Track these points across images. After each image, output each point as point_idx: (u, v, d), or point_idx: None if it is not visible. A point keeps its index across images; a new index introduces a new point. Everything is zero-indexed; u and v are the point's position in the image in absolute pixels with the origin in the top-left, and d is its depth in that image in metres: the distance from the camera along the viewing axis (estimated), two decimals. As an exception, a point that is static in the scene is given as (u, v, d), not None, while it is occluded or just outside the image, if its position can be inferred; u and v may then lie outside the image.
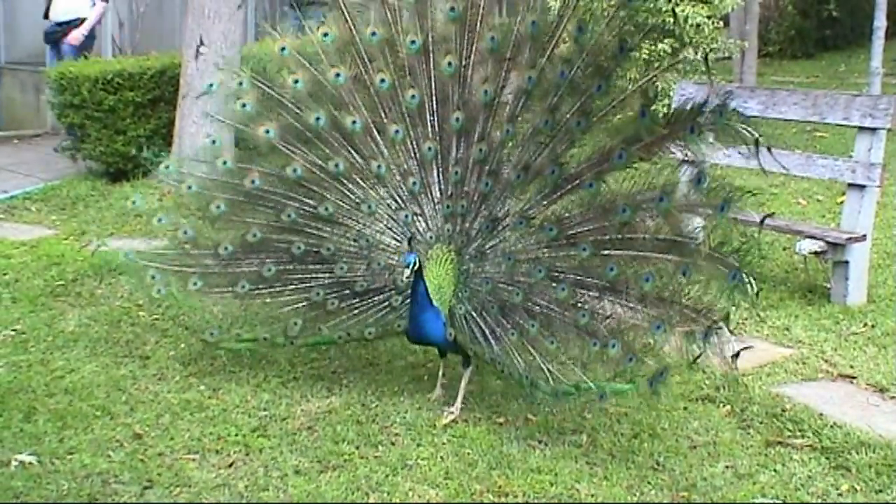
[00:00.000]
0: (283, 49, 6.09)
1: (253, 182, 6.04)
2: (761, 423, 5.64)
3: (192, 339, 6.66)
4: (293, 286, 6.06)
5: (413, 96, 5.87)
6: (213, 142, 6.48)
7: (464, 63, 5.83)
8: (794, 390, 6.04)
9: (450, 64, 5.81)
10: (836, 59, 20.31)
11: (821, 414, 5.71)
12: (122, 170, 11.19)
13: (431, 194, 5.93)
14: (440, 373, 6.01)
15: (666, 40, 11.15)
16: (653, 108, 5.61)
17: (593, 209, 5.59)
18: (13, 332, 6.91)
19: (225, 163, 6.19)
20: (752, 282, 5.18)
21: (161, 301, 6.51)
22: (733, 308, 5.51)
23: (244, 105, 6.10)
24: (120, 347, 6.63)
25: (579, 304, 5.59)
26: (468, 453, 5.27)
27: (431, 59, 5.88)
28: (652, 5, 11.13)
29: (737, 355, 5.55)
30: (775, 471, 5.16)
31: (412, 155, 5.93)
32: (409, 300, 5.72)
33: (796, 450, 5.36)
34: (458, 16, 5.80)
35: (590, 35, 5.57)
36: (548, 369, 5.44)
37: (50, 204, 10.43)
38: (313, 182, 6.02)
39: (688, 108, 5.39)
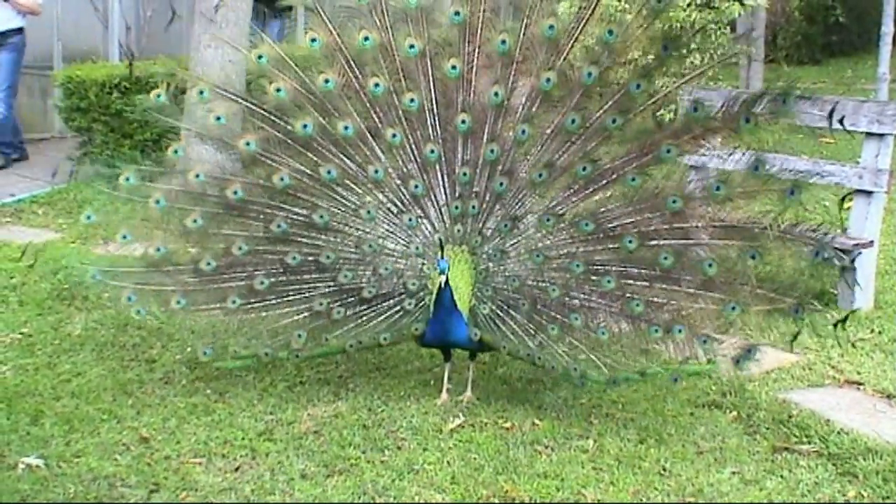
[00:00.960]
0: (260, 57, 5.99)
1: (235, 193, 5.91)
2: (768, 428, 5.63)
3: (199, 342, 6.66)
4: (291, 297, 5.95)
5: (412, 100, 5.83)
6: (176, 152, 6.23)
7: (469, 66, 5.81)
8: (801, 396, 6.03)
9: (454, 67, 5.79)
10: (843, 65, 20.29)
11: (827, 420, 5.70)
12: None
13: (436, 197, 5.92)
14: (445, 377, 6.00)
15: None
16: (659, 112, 5.68)
17: (637, 202, 5.69)
18: (20, 336, 6.92)
19: (198, 176, 5.99)
20: (841, 255, 5.46)
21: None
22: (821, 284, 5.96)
23: (218, 118, 6.02)
24: (126, 351, 6.63)
25: (630, 295, 5.66)
26: (475, 458, 5.27)
27: (432, 63, 5.86)
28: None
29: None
30: (782, 477, 5.15)
31: (413, 158, 5.90)
32: (422, 303, 5.81)
33: (803, 456, 5.35)
34: (462, 20, 5.79)
35: (617, 37, 5.65)
36: (598, 359, 5.58)
37: (56, 208, 10.44)
38: (303, 190, 5.94)
39: (742, 98, 5.57)
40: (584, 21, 5.68)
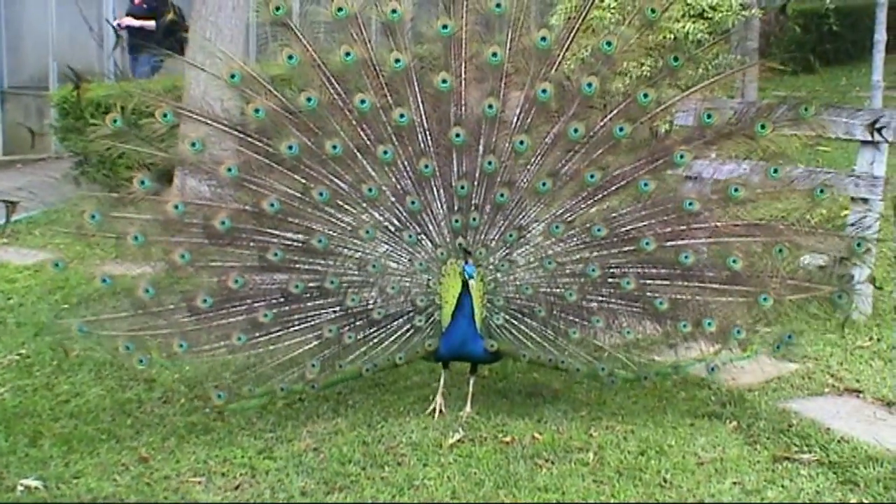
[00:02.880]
0: (233, 76, 5.82)
1: (223, 223, 5.69)
2: (768, 438, 5.62)
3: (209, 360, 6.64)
4: (298, 327, 5.82)
5: (402, 115, 5.77)
6: (143, 183, 5.79)
7: (460, 79, 5.79)
8: (801, 405, 6.03)
9: (444, 81, 5.76)
10: (837, 73, 20.34)
11: (828, 429, 5.69)
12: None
13: (434, 211, 5.89)
14: (441, 383, 6.02)
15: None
16: (655, 123, 5.72)
17: (651, 206, 5.79)
18: (18, 357, 6.92)
19: (177, 207, 5.73)
20: (871, 241, 5.89)
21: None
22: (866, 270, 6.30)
23: (193, 144, 5.78)
24: (125, 371, 6.61)
25: (651, 294, 5.78)
26: (475, 473, 5.26)
27: (420, 77, 5.82)
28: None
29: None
30: (783, 486, 5.14)
31: (406, 174, 5.85)
32: (432, 318, 5.84)
33: (804, 465, 5.34)
34: (451, 33, 5.75)
35: (615, 48, 5.73)
36: (626, 358, 5.81)
37: (54, 228, 10.43)
38: (295, 214, 5.81)
39: (759, 104, 5.85)
40: (574, 31, 5.74)
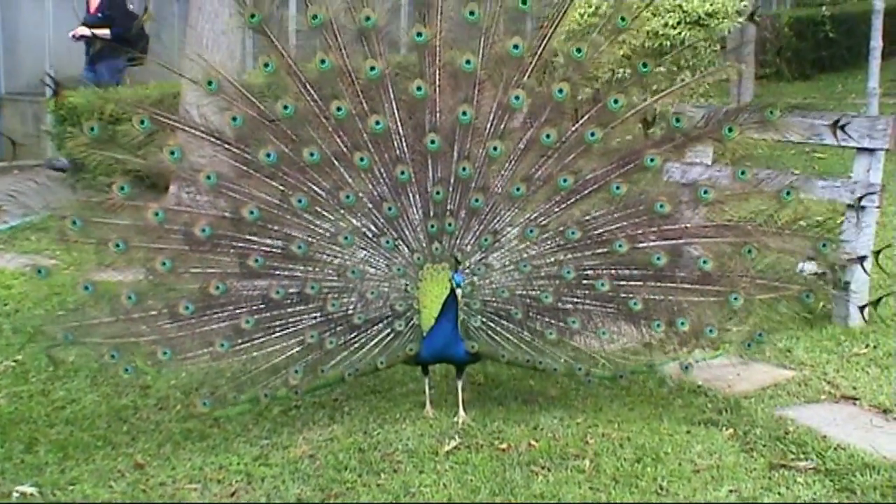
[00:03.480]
0: (210, 83, 5.80)
1: (203, 231, 5.70)
2: (765, 445, 5.62)
3: (193, 367, 6.64)
4: (280, 333, 5.80)
5: (377, 122, 5.78)
6: (123, 189, 5.78)
7: (434, 86, 5.81)
8: (797, 412, 6.03)
9: (419, 88, 5.79)
10: (833, 80, 20.37)
11: (824, 436, 5.69)
12: (121, 199, 11.17)
13: (410, 217, 5.92)
14: (427, 391, 6.05)
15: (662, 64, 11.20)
16: (651, 130, 5.79)
17: (623, 209, 5.87)
18: (14, 363, 6.91)
19: (157, 214, 5.72)
20: (837, 241, 6.13)
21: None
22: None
23: (172, 153, 5.77)
24: (121, 378, 6.58)
25: (626, 295, 5.87)
26: (471, 480, 5.24)
27: (395, 84, 5.84)
28: (649, 28, 11.19)
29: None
30: (780, 494, 5.14)
31: (383, 181, 5.88)
32: (412, 322, 5.88)
33: (800, 472, 5.33)
34: (425, 41, 5.77)
35: (585, 54, 5.81)
36: (602, 357, 5.96)
37: (50, 234, 10.41)
38: (275, 221, 5.81)
39: (727, 109, 5.92)
40: (546, 40, 5.81)
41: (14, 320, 7.73)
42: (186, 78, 5.92)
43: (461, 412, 5.90)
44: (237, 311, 5.76)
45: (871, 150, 7.30)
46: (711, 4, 11.52)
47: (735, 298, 5.79)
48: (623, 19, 5.84)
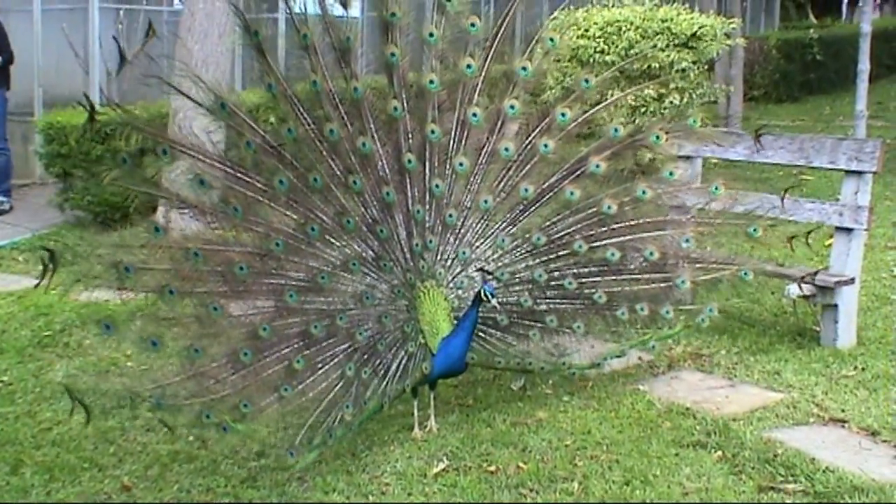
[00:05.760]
0: (223, 107, 5.77)
1: (241, 269, 5.64)
2: (753, 468, 5.61)
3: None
4: (323, 369, 5.72)
5: (364, 144, 5.84)
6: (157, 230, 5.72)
7: (406, 106, 5.92)
8: (786, 435, 6.02)
9: (395, 108, 5.89)
10: (820, 102, 20.48)
11: (813, 458, 5.68)
12: (109, 219, 11.18)
13: (398, 237, 5.98)
14: (416, 413, 6.06)
15: (652, 86, 11.27)
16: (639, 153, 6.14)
17: (577, 212, 6.24)
18: (0, 384, 6.87)
19: (196, 254, 5.60)
20: (758, 228, 6.42)
21: (149, 351, 5.96)
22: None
23: (202, 182, 5.69)
24: (108, 398, 6.59)
25: (590, 290, 6.30)
26: (459, 502, 5.23)
27: (373, 105, 5.90)
28: (639, 51, 11.24)
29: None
30: (768, 517, 5.14)
31: (374, 203, 5.93)
32: (419, 342, 5.97)
33: (789, 495, 5.33)
34: (396, 62, 5.86)
35: (530, 73, 6.15)
36: (579, 349, 6.52)
37: (38, 254, 10.38)
38: (296, 253, 5.81)
39: (656, 122, 6.47)
40: (488, 59, 6.03)
41: (0, 341, 7.69)
42: (193, 100, 5.83)
43: (432, 421, 6.07)
44: (286, 352, 5.65)
45: (859, 173, 7.32)
46: (700, 27, 11.58)
47: (682, 282, 6.29)
48: (552, 40, 6.24)
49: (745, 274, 6.40)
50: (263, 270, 5.76)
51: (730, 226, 6.53)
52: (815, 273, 7.14)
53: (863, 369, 7.00)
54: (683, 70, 11.47)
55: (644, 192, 6.23)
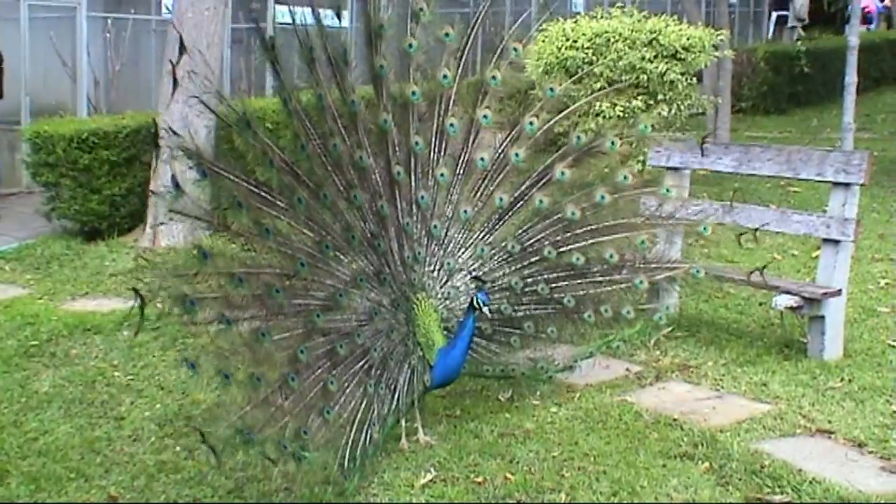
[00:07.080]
0: (248, 124, 5.82)
1: (277, 291, 5.69)
2: (740, 479, 5.61)
3: (168, 398, 6.61)
4: (350, 389, 5.69)
5: (361, 157, 5.89)
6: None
7: (394, 117, 5.95)
8: (773, 446, 6.03)
9: (385, 121, 5.92)
10: (808, 115, 20.53)
11: (800, 470, 5.69)
12: (96, 228, 11.17)
13: (393, 249, 6.00)
14: (403, 424, 6.04)
15: (640, 97, 11.29)
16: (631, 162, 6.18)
17: (545, 219, 6.33)
18: (-14, 394, 6.85)
19: (240, 280, 5.64)
20: (707, 227, 6.67)
21: (136, 361, 5.96)
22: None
23: (239, 204, 5.73)
24: (95, 408, 6.57)
25: (560, 295, 6.38)
26: (447, 513, 5.23)
27: (364, 117, 5.93)
28: (627, 62, 11.25)
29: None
30: (755, 528, 5.14)
31: (371, 216, 5.94)
32: (419, 354, 5.97)
33: (776, 506, 5.35)
34: (385, 73, 5.91)
35: (498, 83, 6.18)
36: (553, 353, 6.65)
37: (24, 263, 10.37)
38: (315, 272, 5.85)
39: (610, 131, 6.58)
40: (458, 69, 6.10)
41: (-13, 350, 7.67)
42: (219, 116, 5.88)
43: (421, 432, 6.07)
44: (319, 374, 5.62)
45: (846, 185, 7.35)
46: (688, 38, 11.60)
47: (640, 282, 6.41)
48: (515, 50, 6.23)
49: (697, 272, 6.52)
50: (293, 292, 5.78)
51: (682, 226, 6.83)
52: (764, 268, 7.12)
53: (850, 381, 7.01)
54: (672, 81, 11.49)
55: (603, 198, 6.31)
